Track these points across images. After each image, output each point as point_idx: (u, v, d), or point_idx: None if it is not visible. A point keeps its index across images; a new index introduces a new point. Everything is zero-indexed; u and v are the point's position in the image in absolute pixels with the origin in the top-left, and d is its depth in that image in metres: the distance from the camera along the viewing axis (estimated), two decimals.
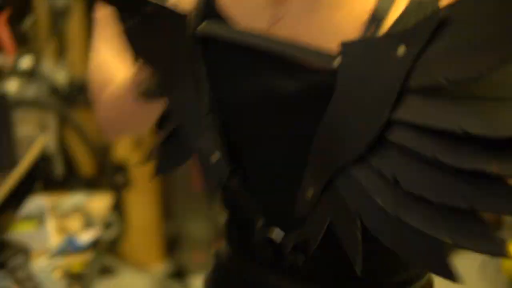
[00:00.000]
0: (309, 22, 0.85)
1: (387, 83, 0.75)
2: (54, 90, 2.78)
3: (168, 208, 3.32)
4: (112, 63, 1.14)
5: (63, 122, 2.77)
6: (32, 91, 2.68)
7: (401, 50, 0.74)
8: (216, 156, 0.92)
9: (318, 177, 0.82)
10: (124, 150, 3.21)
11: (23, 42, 2.69)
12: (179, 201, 3.26)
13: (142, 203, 3.22)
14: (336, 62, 0.79)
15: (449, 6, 0.72)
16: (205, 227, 3.23)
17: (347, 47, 0.79)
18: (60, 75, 2.93)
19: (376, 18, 0.81)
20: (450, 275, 0.72)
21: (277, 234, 0.93)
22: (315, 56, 0.82)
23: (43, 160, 2.04)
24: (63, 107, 2.61)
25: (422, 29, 0.73)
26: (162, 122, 1.06)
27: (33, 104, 2.35)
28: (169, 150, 1.02)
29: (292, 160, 0.88)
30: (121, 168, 3.11)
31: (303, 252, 0.91)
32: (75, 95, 3.05)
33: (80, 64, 3.13)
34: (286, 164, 0.89)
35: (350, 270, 0.81)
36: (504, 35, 0.68)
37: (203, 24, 0.91)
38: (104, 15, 1.15)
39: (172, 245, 3.34)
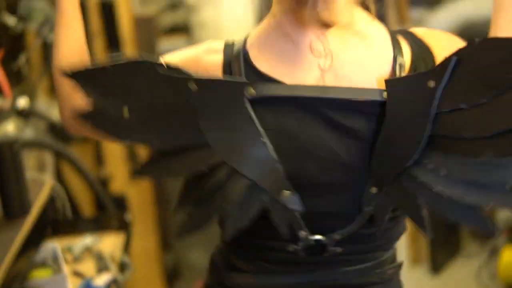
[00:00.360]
0: (351, 67, 1.12)
1: (423, 108, 1.06)
2: (51, 128, 2.78)
3: (166, 239, 3.32)
4: None
5: (60, 159, 2.76)
6: (29, 131, 2.67)
7: (431, 84, 1.06)
8: (286, 193, 1.11)
9: (381, 178, 1.10)
10: (122, 183, 3.21)
11: (16, 81, 2.69)
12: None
13: (140, 235, 3.21)
14: (384, 95, 1.08)
15: (461, 50, 1.04)
16: (205, 256, 3.22)
17: (390, 83, 1.09)
18: (55, 112, 2.93)
19: (397, 61, 1.13)
20: (485, 226, 1.08)
21: (318, 238, 1.16)
22: (366, 93, 1.09)
23: (51, 203, 2.04)
24: (61, 145, 2.60)
25: (445, 68, 1.05)
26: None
27: (33, 144, 2.33)
28: (241, 204, 1.11)
29: (352, 173, 1.12)
30: (121, 202, 3.11)
31: (340, 245, 1.16)
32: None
33: None
34: (344, 179, 1.13)
35: (364, 251, 1.20)
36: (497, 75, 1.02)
37: (254, 87, 1.09)
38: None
39: (172, 276, 3.33)
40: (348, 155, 1.11)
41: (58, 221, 2.07)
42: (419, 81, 1.07)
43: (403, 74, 1.12)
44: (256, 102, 1.09)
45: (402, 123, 1.08)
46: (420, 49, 1.16)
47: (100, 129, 1.15)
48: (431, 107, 1.06)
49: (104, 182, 3.14)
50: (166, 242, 3.28)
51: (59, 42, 1.24)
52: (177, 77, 1.08)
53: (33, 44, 2.87)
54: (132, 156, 3.21)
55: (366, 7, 1.20)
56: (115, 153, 3.20)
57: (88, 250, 1.91)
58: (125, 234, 1.99)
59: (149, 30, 3.24)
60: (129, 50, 3.16)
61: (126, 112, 1.10)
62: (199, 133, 1.09)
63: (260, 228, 1.15)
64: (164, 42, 3.40)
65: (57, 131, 2.85)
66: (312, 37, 1.11)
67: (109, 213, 2.21)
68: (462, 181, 1.06)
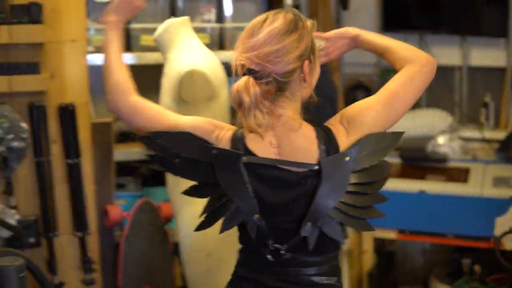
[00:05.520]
0: (290, 144, 1.88)
1: (344, 172, 1.86)
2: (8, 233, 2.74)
3: None
4: None
5: None
6: None
7: (347, 158, 1.86)
8: (257, 216, 1.88)
9: (315, 216, 1.86)
10: None
11: None
12: None
13: None
14: (316, 166, 1.85)
15: (359, 140, 1.89)
16: None
17: (323, 161, 1.85)
18: (10, 217, 2.89)
19: (320, 146, 1.87)
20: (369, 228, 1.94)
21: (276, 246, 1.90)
22: (303, 165, 1.86)
23: None
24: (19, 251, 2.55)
25: (352, 149, 1.87)
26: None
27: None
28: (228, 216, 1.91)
29: (296, 211, 1.88)
30: None
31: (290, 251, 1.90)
32: (24, 235, 2.99)
33: (27, 206, 3.08)
34: (292, 213, 1.89)
35: (324, 256, 1.94)
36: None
37: (246, 157, 1.87)
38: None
39: None
40: (295, 200, 1.88)
41: None
42: (340, 157, 1.86)
43: (325, 154, 1.87)
44: (246, 164, 1.87)
45: (332, 182, 1.85)
46: (328, 136, 1.89)
47: (163, 168, 1.99)
48: (348, 172, 1.86)
49: None
50: None
51: (110, 61, 2.06)
52: (207, 145, 1.90)
53: None
54: (84, 264, 3.16)
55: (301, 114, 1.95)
56: (67, 260, 3.15)
57: None
58: None
59: (106, 135, 3.25)
60: (87, 154, 3.16)
61: (177, 161, 1.93)
62: (214, 177, 1.89)
63: (249, 238, 1.91)
64: (119, 148, 3.41)
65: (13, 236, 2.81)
66: (271, 137, 1.88)
67: None
68: (360, 207, 1.89)
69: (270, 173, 1.88)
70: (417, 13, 4.31)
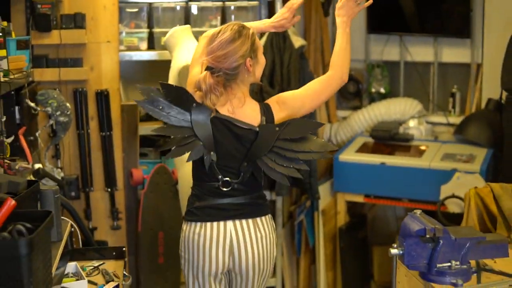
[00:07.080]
0: (242, 113, 2.73)
1: (273, 136, 2.71)
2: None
3: (138, 278, 4.11)
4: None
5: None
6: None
7: (277, 128, 2.74)
8: (213, 153, 2.71)
9: (249, 159, 2.72)
10: (104, 233, 4.06)
11: (31, 150, 3.55)
12: None
13: None
14: (257, 128, 2.72)
15: (288, 120, 2.76)
16: None
17: (260, 126, 2.73)
18: (57, 174, 3.79)
19: (262, 116, 2.75)
20: (282, 179, 2.78)
21: (226, 179, 2.74)
22: (249, 125, 2.72)
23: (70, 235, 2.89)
24: (65, 200, 3.44)
25: (283, 124, 2.76)
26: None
27: None
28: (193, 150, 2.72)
29: (239, 155, 2.72)
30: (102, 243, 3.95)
31: (236, 183, 2.74)
32: (67, 189, 3.93)
33: (71, 167, 4.03)
34: (236, 156, 2.72)
35: (251, 189, 2.79)
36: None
37: (214, 113, 2.69)
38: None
39: None
40: (239, 147, 2.69)
41: (73, 250, 2.90)
42: (273, 127, 2.70)
43: (264, 123, 2.70)
44: (212, 118, 2.67)
45: (264, 141, 2.67)
46: (267, 111, 2.74)
47: (150, 112, 2.70)
48: (276, 137, 2.67)
49: (91, 231, 3.99)
50: (138, 280, 4.11)
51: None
52: (193, 99, 2.68)
53: (45, 123, 3.76)
54: (112, 213, 4.07)
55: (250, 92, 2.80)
56: (99, 210, 4.07)
57: (96, 269, 2.77)
58: (121, 261, 2.84)
59: (133, 114, 4.15)
60: (117, 129, 4.06)
61: (161, 107, 2.68)
62: (189, 121, 2.66)
63: (203, 174, 2.72)
64: (143, 126, 4.23)
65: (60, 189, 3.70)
66: (229, 107, 2.70)
67: (109, 247, 3.05)
68: (278, 164, 2.67)
69: (226, 127, 2.69)
70: (396, 18, 4.98)
